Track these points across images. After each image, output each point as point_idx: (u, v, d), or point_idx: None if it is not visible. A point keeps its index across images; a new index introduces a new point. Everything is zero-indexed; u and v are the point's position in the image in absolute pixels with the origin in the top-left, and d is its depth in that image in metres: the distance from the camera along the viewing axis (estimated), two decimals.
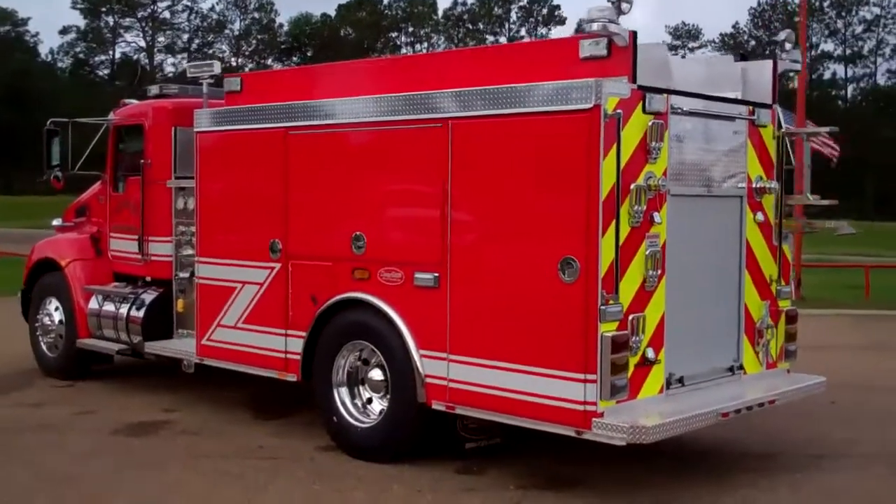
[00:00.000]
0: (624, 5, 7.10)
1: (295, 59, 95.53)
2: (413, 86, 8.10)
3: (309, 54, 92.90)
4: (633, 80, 7.15)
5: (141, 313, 10.74)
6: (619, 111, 6.91)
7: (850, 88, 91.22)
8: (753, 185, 8.33)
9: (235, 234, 9.52)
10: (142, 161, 10.97)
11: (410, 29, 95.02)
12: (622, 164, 6.96)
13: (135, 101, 11.78)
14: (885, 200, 78.07)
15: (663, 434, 6.96)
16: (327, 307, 8.64)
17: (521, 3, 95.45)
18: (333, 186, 8.62)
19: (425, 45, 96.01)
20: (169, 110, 10.86)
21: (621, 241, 7.00)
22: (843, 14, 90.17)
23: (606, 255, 6.93)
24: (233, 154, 9.52)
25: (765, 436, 9.26)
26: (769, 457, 8.68)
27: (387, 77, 8.63)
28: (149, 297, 10.85)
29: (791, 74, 8.98)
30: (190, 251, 10.39)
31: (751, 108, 8.31)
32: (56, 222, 12.70)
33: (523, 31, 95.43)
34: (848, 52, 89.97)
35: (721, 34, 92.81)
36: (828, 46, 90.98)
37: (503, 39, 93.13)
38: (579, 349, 6.99)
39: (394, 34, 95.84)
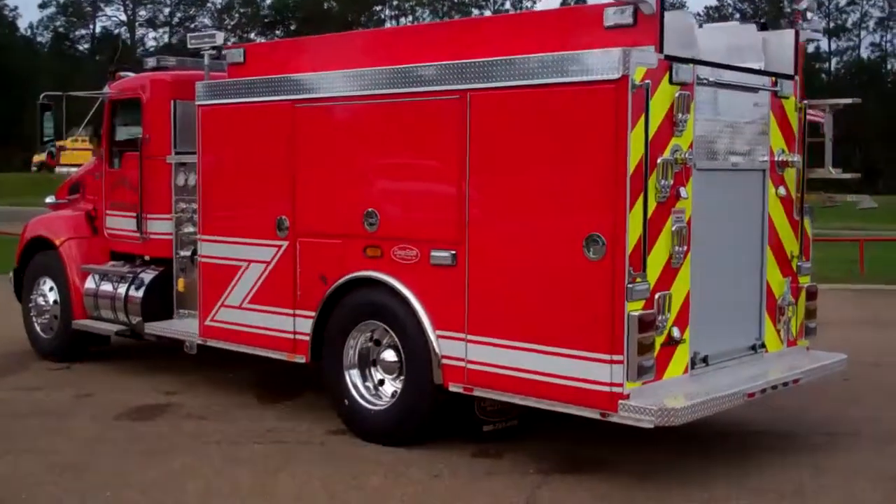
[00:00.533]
0: None
1: (278, 32, 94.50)
2: (429, 56, 7.82)
3: (292, 28, 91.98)
4: (660, 49, 6.89)
5: (140, 293, 10.45)
6: (647, 81, 6.65)
7: (833, 61, 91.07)
8: (776, 159, 8.10)
9: (240, 210, 9.23)
10: (139, 136, 10.64)
11: (395, 2, 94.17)
12: (650, 137, 6.71)
13: (131, 74, 11.42)
14: (871, 174, 78.05)
15: (691, 416, 6.76)
16: (338, 286, 8.37)
17: None
18: (344, 161, 8.34)
19: (410, 18, 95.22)
20: (168, 83, 10.53)
21: (649, 217, 6.75)
22: None
23: (634, 231, 6.69)
24: (237, 128, 9.22)
25: (782, 414, 9.08)
26: (788, 436, 8.50)
27: (401, 47, 8.32)
28: (148, 276, 10.55)
29: (814, 43, 8.70)
30: (191, 229, 10.11)
31: (773, 79, 8.06)
32: (49, 199, 12.37)
33: (508, 4, 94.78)
34: (832, 25, 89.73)
35: (706, 7, 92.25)
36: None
37: (488, 12, 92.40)
38: (605, 329, 6.76)
39: (378, 7, 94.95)
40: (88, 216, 11.53)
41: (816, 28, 8.54)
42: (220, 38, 9.85)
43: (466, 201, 7.48)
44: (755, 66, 8.12)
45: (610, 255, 6.71)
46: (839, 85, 79.16)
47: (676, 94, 6.96)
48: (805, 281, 8.53)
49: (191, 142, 9.82)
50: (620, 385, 6.73)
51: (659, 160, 6.84)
